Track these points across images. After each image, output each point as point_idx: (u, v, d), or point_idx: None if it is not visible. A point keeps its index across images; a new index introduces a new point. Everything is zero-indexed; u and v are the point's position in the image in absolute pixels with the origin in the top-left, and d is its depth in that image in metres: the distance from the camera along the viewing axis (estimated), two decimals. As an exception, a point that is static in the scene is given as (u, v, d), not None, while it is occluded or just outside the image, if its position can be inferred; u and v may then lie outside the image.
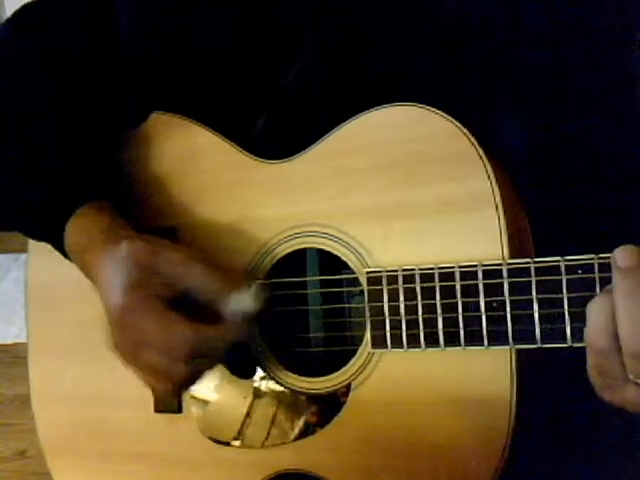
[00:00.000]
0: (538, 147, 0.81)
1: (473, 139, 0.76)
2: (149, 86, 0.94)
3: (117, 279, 0.78)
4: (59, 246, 0.87)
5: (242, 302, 0.77)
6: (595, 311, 0.67)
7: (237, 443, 0.87)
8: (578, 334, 0.69)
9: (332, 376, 0.83)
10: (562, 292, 0.70)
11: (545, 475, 0.85)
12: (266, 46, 0.89)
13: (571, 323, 0.70)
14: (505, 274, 0.72)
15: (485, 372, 0.74)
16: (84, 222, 0.85)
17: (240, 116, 0.89)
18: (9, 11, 1.82)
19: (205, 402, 0.89)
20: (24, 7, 1.00)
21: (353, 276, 0.82)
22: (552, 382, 0.79)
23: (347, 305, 0.86)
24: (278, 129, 0.89)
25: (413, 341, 0.76)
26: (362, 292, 0.80)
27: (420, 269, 0.76)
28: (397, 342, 0.77)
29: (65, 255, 0.87)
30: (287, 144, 0.85)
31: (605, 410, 0.73)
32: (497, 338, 0.73)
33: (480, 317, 0.73)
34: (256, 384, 0.87)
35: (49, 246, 0.89)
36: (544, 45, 0.81)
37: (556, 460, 0.84)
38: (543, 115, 0.82)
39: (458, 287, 0.74)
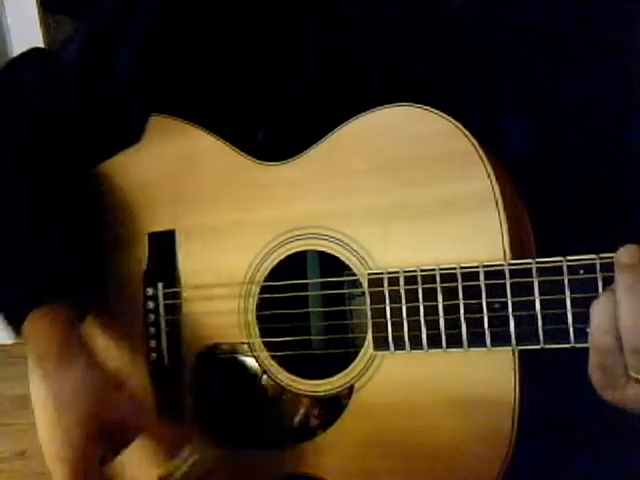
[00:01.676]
0: (539, 147, 0.81)
1: (473, 139, 0.75)
2: (151, 101, 0.94)
3: (63, 428, 0.78)
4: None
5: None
6: (598, 310, 0.67)
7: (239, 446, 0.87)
8: (581, 334, 0.69)
9: (334, 378, 0.82)
10: (564, 292, 0.70)
11: (547, 474, 0.85)
12: (265, 54, 0.89)
13: (574, 323, 0.69)
14: (507, 275, 0.72)
15: (488, 373, 0.74)
16: (39, 328, 0.84)
17: (241, 127, 0.89)
18: (9, 11, 1.82)
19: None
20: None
21: (354, 278, 0.81)
22: (553, 381, 0.79)
23: (348, 307, 0.86)
24: (279, 137, 0.89)
25: (415, 343, 0.76)
26: (363, 294, 0.80)
27: (421, 270, 0.76)
28: (399, 344, 0.77)
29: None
30: (288, 151, 0.85)
31: (607, 409, 0.73)
32: (500, 339, 0.73)
33: (482, 318, 0.73)
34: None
35: None
36: (544, 45, 0.81)
37: (557, 459, 0.84)
38: (544, 115, 0.82)
39: (460, 288, 0.74)
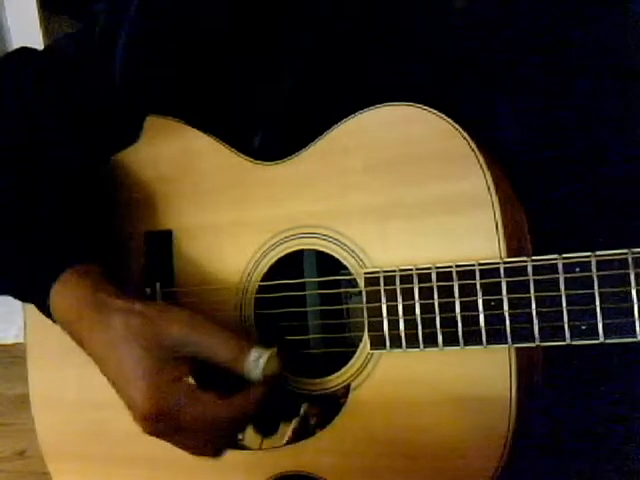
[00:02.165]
0: (538, 147, 0.81)
1: (470, 139, 0.75)
2: (147, 106, 0.94)
3: (128, 368, 0.77)
4: (47, 312, 0.85)
5: (258, 371, 0.78)
6: None
7: (237, 446, 0.87)
8: (577, 332, 0.69)
9: (331, 377, 0.83)
10: (560, 290, 0.70)
11: (545, 473, 0.85)
12: (262, 56, 0.89)
13: (569, 321, 0.70)
14: (502, 273, 0.72)
15: (485, 371, 0.74)
16: (67, 290, 0.83)
17: (238, 132, 0.89)
18: (9, 11, 1.82)
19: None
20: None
21: (351, 277, 0.82)
22: (552, 380, 0.80)
23: (345, 306, 0.86)
24: (276, 141, 0.89)
25: (411, 341, 0.76)
26: (360, 293, 0.80)
27: (417, 269, 0.76)
28: (395, 342, 0.77)
29: (53, 320, 0.85)
30: (286, 155, 0.85)
31: (605, 409, 0.73)
32: (496, 337, 0.73)
33: (478, 316, 0.73)
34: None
35: None
36: (545, 45, 0.81)
37: (556, 459, 0.84)
38: (541, 112, 0.82)
39: (456, 287, 0.74)
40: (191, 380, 0.79)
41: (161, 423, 0.77)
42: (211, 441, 0.79)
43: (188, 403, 0.77)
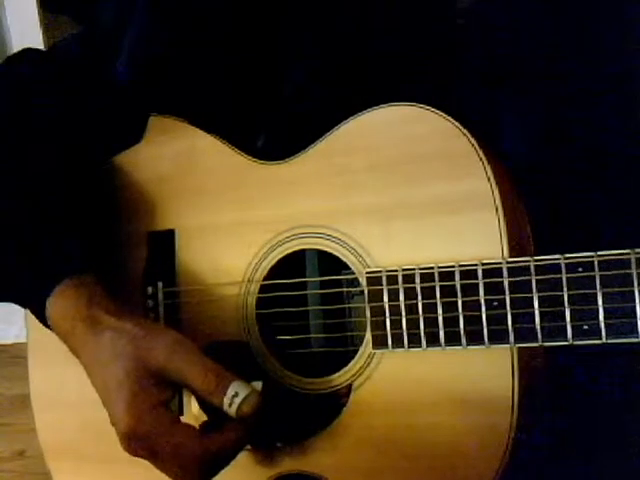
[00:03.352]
0: (538, 147, 0.82)
1: (473, 139, 0.75)
2: (150, 106, 0.94)
3: (112, 388, 0.78)
4: (44, 321, 0.85)
5: (233, 409, 0.77)
6: None
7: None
8: (579, 332, 0.69)
9: (333, 377, 0.82)
10: (562, 290, 0.70)
11: (545, 473, 0.85)
12: (262, 56, 0.89)
13: (572, 321, 0.70)
14: (505, 273, 0.72)
15: (486, 371, 0.74)
16: (63, 302, 0.82)
17: (240, 134, 0.89)
18: (9, 12, 1.82)
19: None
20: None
21: (353, 276, 0.82)
22: (552, 381, 0.80)
23: (347, 305, 0.86)
24: (278, 143, 0.89)
25: (414, 341, 0.76)
26: (362, 292, 0.80)
27: (420, 269, 0.76)
28: (398, 342, 0.77)
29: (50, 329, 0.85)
30: (288, 155, 0.85)
31: (603, 410, 0.73)
32: (498, 337, 0.73)
33: (481, 316, 0.73)
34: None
35: None
36: (545, 46, 0.81)
37: (555, 459, 0.84)
38: (542, 113, 0.82)
39: (458, 286, 0.74)
40: (174, 406, 0.80)
41: (138, 446, 0.78)
42: (186, 472, 0.78)
43: (165, 433, 0.77)
